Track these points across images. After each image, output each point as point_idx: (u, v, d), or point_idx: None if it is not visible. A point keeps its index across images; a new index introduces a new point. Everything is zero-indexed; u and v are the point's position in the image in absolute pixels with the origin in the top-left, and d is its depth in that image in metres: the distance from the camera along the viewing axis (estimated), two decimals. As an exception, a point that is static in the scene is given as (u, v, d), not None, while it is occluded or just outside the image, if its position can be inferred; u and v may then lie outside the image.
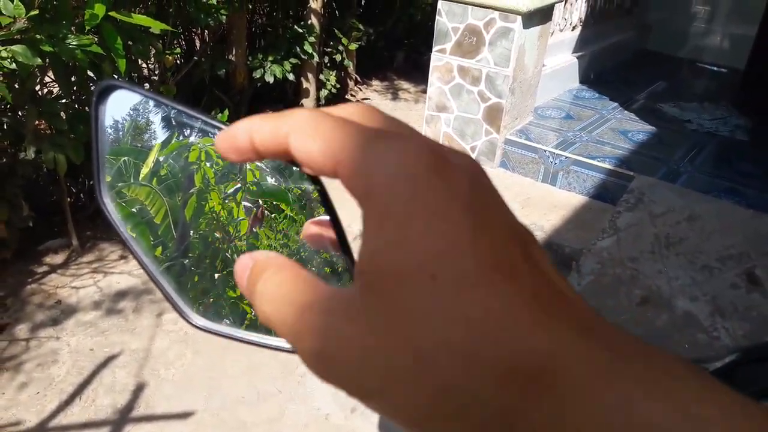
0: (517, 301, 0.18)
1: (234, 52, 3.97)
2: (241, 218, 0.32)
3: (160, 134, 0.33)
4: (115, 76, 2.55)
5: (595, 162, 3.35)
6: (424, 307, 0.18)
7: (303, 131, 0.22)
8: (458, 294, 0.18)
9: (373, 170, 0.20)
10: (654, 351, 0.19)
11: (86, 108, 2.78)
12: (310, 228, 0.29)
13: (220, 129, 0.30)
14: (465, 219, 0.19)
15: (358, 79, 5.42)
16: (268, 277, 0.22)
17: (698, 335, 2.35)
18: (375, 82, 5.73)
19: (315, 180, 0.27)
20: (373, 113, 0.24)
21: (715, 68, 5.63)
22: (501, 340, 0.18)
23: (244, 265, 0.24)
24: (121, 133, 0.33)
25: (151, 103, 0.32)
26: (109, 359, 2.29)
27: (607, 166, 3.33)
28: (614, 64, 5.07)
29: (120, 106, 0.32)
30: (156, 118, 0.33)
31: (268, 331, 0.30)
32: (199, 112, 0.31)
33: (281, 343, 0.29)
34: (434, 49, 3.52)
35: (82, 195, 3.14)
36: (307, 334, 0.20)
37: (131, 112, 0.32)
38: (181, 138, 0.33)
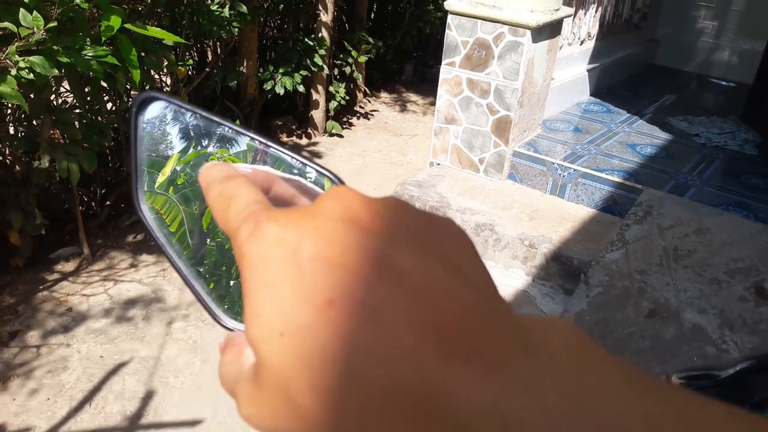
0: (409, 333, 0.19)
1: (245, 64, 4.01)
2: None
3: (177, 144, 0.34)
4: (145, 86, 2.59)
5: (603, 175, 3.36)
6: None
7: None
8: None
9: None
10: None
11: (99, 118, 2.81)
12: None
13: (264, 144, 0.32)
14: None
15: (367, 91, 5.46)
16: (223, 357, 0.25)
17: (706, 348, 2.34)
18: (384, 95, 5.77)
19: (333, 177, 0.29)
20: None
21: (724, 83, 5.64)
22: (407, 371, 0.18)
23: (220, 344, 0.26)
24: (156, 127, 0.34)
25: (187, 113, 0.33)
26: (119, 366, 2.31)
27: (615, 179, 3.33)
28: (622, 78, 5.09)
29: (157, 116, 0.33)
30: (174, 129, 0.34)
31: None
32: (243, 127, 0.32)
33: None
34: (444, 62, 3.55)
35: (93, 204, 3.17)
36: (239, 403, 0.22)
37: (167, 122, 0.34)
38: (199, 148, 0.34)
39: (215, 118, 0.32)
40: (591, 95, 4.67)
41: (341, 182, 0.29)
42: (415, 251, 0.20)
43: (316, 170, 0.30)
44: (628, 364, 0.19)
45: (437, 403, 0.18)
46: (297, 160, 0.31)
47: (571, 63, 4.27)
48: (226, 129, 0.33)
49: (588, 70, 4.52)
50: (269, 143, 0.31)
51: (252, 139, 0.32)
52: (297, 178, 0.29)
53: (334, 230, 0.20)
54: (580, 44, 4.36)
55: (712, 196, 3.28)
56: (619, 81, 5.01)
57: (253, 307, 0.20)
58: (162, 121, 0.33)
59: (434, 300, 0.19)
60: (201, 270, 0.33)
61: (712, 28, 5.78)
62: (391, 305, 0.19)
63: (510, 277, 3.05)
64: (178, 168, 0.34)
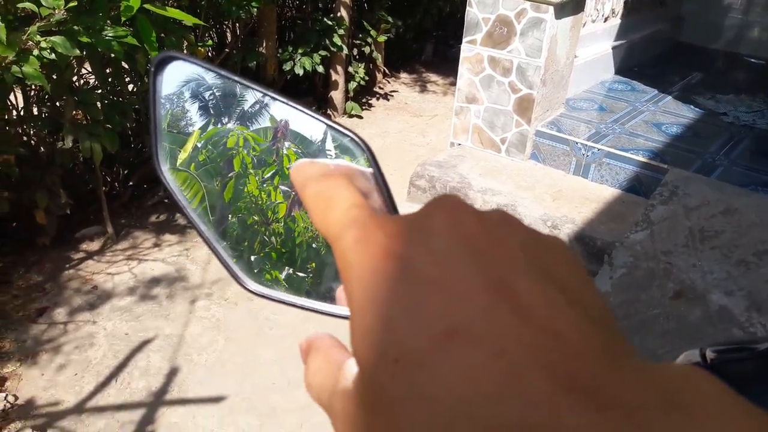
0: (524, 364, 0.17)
1: (264, 45, 4.00)
2: (278, 201, 0.33)
3: (198, 121, 0.34)
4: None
5: (628, 154, 3.30)
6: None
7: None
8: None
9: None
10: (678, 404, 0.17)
11: (120, 98, 2.83)
12: None
13: (272, 97, 0.31)
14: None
15: (387, 71, 5.42)
16: (309, 362, 0.24)
17: (733, 330, 2.31)
18: (403, 75, 5.73)
19: (361, 144, 0.28)
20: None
21: (752, 60, 5.50)
22: (540, 416, 0.16)
23: (300, 345, 0.25)
24: (175, 104, 0.34)
25: (201, 72, 0.33)
26: (144, 343, 2.34)
27: (640, 158, 3.28)
28: (648, 56, 4.98)
29: (177, 77, 0.33)
30: (193, 106, 0.33)
31: (323, 297, 0.31)
32: (258, 84, 0.31)
33: (335, 309, 0.30)
34: (464, 39, 3.50)
35: (116, 184, 3.20)
36: (336, 421, 0.21)
37: (186, 84, 0.33)
38: (219, 125, 0.34)
39: (232, 76, 0.32)
40: (615, 73, 4.59)
41: (369, 149, 0.28)
42: (535, 278, 0.19)
43: (343, 133, 0.29)
44: None
45: None
46: (323, 121, 0.30)
47: (594, 40, 4.19)
48: (241, 87, 0.32)
49: (612, 48, 4.43)
50: (290, 102, 0.31)
51: (264, 95, 0.31)
52: (365, 169, 0.28)
53: (447, 248, 0.19)
54: (604, 21, 4.28)
55: (740, 176, 3.21)
56: (644, 59, 4.91)
57: (363, 327, 0.19)
58: (181, 98, 0.33)
59: (562, 337, 0.18)
60: (223, 245, 0.33)
61: (740, 3, 5.64)
62: (516, 340, 0.17)
63: (532, 258, 3.02)
64: (199, 144, 0.34)
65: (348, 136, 0.29)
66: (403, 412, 0.17)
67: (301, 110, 0.30)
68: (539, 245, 0.21)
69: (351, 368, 0.21)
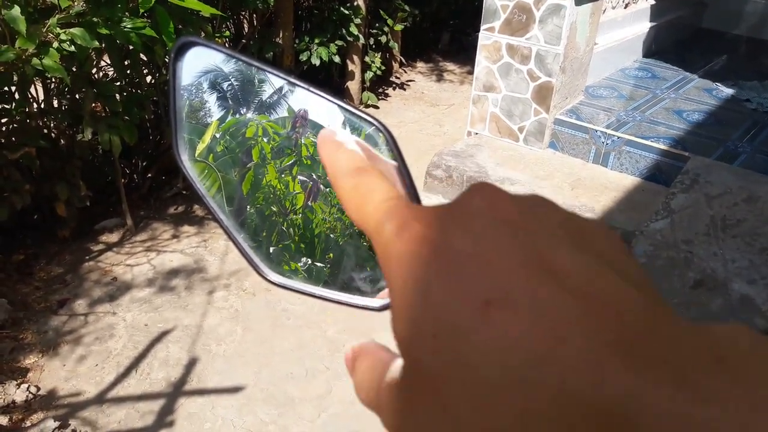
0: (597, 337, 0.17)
1: (281, 35, 3.99)
2: (296, 192, 0.33)
3: (216, 111, 0.33)
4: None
5: (648, 142, 3.25)
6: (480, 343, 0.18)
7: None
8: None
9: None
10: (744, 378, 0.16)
11: (139, 90, 2.84)
12: None
13: (292, 83, 0.30)
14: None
15: (403, 61, 5.39)
16: (357, 367, 0.24)
17: (755, 319, 2.27)
18: (420, 64, 5.69)
19: (384, 130, 0.27)
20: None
21: (777, 45, 5.39)
22: (583, 377, 0.16)
23: (346, 355, 0.25)
24: (194, 95, 0.33)
25: (221, 59, 0.32)
26: (163, 334, 2.36)
27: (661, 146, 3.23)
28: (669, 42, 4.90)
29: (196, 64, 0.32)
30: (211, 97, 0.33)
31: (342, 287, 0.31)
32: (277, 68, 0.31)
33: (354, 299, 0.30)
34: (482, 27, 3.46)
35: (135, 176, 3.23)
36: (384, 414, 0.21)
37: (204, 75, 0.33)
38: (237, 115, 0.33)
39: (251, 61, 0.31)
40: (636, 60, 4.52)
41: (391, 136, 0.27)
42: (573, 248, 0.19)
43: (368, 120, 0.29)
44: None
45: (619, 417, 0.16)
46: (346, 108, 0.29)
47: (615, 27, 4.12)
48: (260, 71, 0.32)
49: (633, 35, 4.36)
50: (312, 88, 0.30)
51: (284, 80, 0.31)
52: (388, 160, 0.28)
53: (484, 227, 0.19)
54: (625, 8, 4.21)
55: (764, 164, 3.15)
56: (665, 45, 4.82)
57: (401, 307, 0.19)
58: (199, 89, 0.33)
59: (604, 300, 0.17)
60: (241, 237, 0.33)
61: (764, -13, 5.51)
62: (556, 306, 0.17)
63: (550, 248, 3.00)
64: (217, 135, 0.34)
65: (371, 122, 0.28)
66: (448, 385, 0.17)
67: (323, 96, 0.30)
68: (579, 223, 0.21)
69: (397, 363, 0.21)
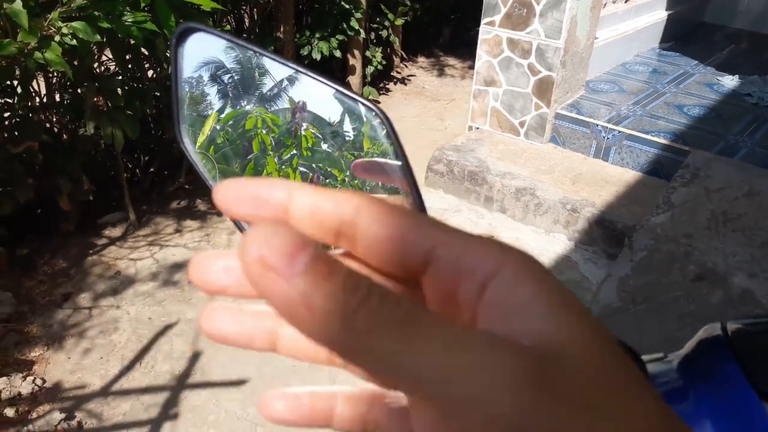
0: None
1: (282, 30, 3.99)
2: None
3: (215, 103, 0.34)
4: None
5: (649, 137, 3.26)
6: None
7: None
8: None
9: None
10: None
11: (141, 84, 2.85)
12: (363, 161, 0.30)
13: (295, 69, 0.31)
14: None
15: (404, 55, 5.39)
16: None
17: (756, 312, 2.28)
18: (421, 59, 5.69)
19: (382, 117, 0.28)
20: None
21: (778, 39, 5.38)
22: None
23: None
24: (194, 86, 0.34)
25: (223, 45, 0.32)
26: (167, 328, 2.37)
27: (661, 140, 3.23)
28: (670, 36, 4.90)
29: (198, 52, 0.33)
30: (212, 89, 0.33)
31: None
32: (279, 56, 0.31)
33: None
34: (483, 21, 3.47)
35: (138, 170, 3.24)
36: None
37: (204, 66, 0.33)
38: (237, 107, 0.34)
39: (253, 47, 0.31)
40: (636, 55, 4.52)
41: (388, 120, 0.27)
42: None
43: (364, 104, 0.29)
44: None
45: None
46: (347, 94, 0.30)
47: (615, 21, 4.12)
48: (260, 57, 0.32)
49: (633, 29, 4.36)
50: (315, 75, 0.30)
51: (281, 63, 0.31)
52: (391, 162, 0.28)
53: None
54: (625, 2, 4.20)
55: (764, 158, 3.16)
56: (665, 39, 4.82)
57: None
58: (200, 81, 0.33)
59: None
60: None
61: (765, -19, 5.50)
62: None
63: (551, 242, 3.01)
64: (218, 127, 0.34)
65: (370, 108, 0.28)
66: None
67: (321, 80, 0.29)
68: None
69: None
